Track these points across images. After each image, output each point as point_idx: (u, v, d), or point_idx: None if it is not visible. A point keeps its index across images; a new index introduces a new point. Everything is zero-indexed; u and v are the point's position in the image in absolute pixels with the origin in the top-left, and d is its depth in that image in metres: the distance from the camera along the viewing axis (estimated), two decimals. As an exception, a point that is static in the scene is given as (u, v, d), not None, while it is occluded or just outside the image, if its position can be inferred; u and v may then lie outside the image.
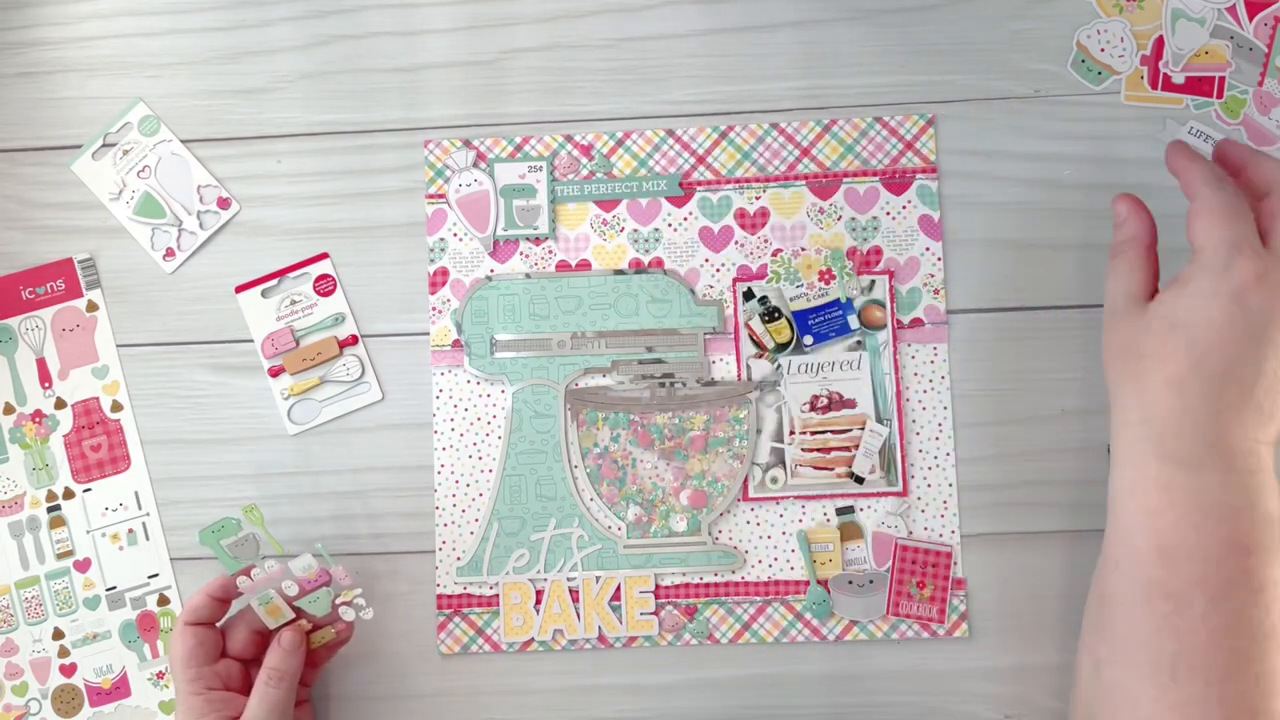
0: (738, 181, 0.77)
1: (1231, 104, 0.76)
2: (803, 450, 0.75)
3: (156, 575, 0.76)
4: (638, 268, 0.76)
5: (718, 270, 0.76)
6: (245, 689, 0.68)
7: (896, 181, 0.76)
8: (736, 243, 0.76)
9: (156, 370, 0.77)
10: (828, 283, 0.75)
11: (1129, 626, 0.59)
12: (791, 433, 0.75)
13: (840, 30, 0.78)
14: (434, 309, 0.77)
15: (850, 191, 0.76)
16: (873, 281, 0.75)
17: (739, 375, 0.75)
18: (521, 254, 0.77)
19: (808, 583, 0.74)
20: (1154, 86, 0.76)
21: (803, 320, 0.75)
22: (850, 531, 0.74)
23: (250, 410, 0.77)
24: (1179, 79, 0.76)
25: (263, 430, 0.76)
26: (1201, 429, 0.58)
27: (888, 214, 0.76)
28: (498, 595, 0.74)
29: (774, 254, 0.76)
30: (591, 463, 0.75)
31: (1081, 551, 0.73)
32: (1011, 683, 0.73)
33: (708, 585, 0.74)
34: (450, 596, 0.74)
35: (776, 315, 0.75)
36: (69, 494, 0.76)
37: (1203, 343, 0.58)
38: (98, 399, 0.77)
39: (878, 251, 0.76)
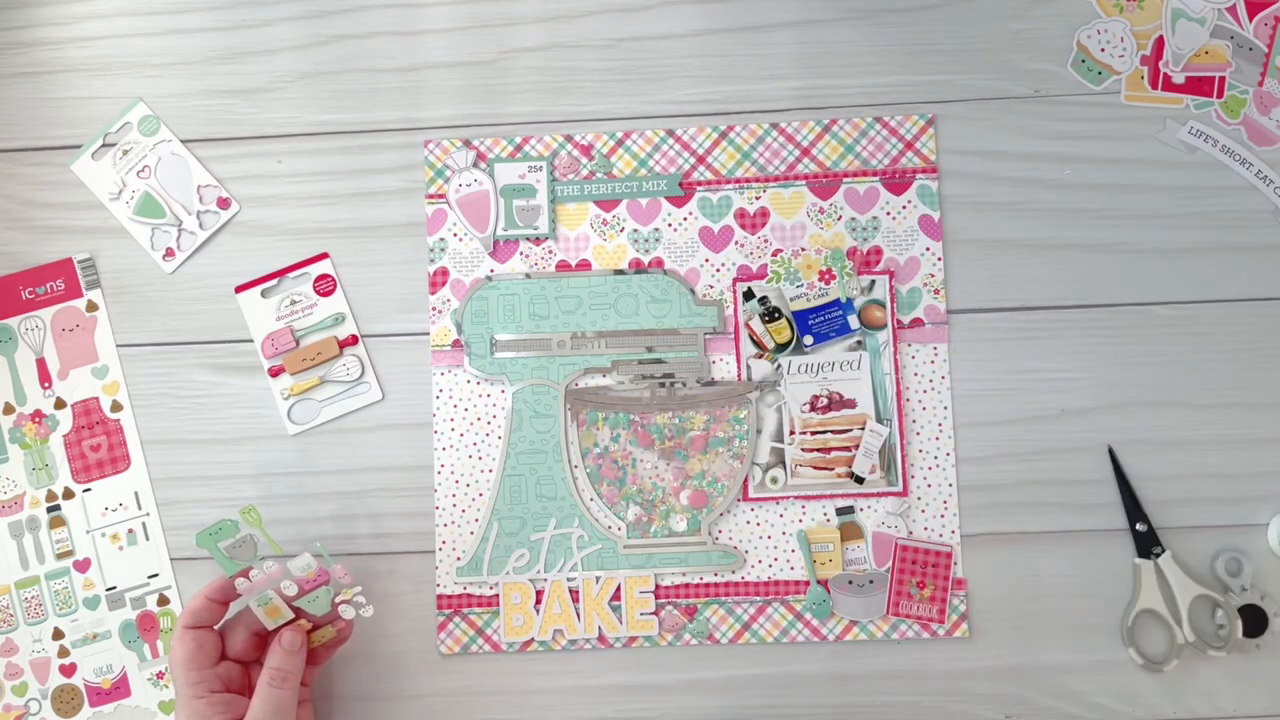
0: (738, 181, 0.77)
1: (1231, 104, 0.76)
2: (803, 450, 0.75)
3: (156, 575, 0.76)
4: (638, 268, 0.76)
5: (718, 270, 0.76)
6: (246, 690, 0.68)
7: (896, 181, 0.76)
8: (736, 243, 0.76)
9: (156, 370, 0.77)
10: (828, 283, 0.75)
11: None
12: (791, 433, 0.75)
13: (840, 30, 0.78)
14: (434, 309, 0.77)
15: (850, 191, 0.76)
16: (873, 281, 0.75)
17: (739, 375, 0.75)
18: (521, 254, 0.77)
19: (808, 583, 0.74)
20: (1154, 86, 0.76)
21: (803, 320, 0.75)
22: (850, 531, 0.74)
23: (250, 410, 0.76)
24: (1179, 79, 0.76)
25: (263, 430, 0.76)
26: None
27: (888, 214, 0.76)
28: (498, 595, 0.74)
29: (774, 254, 0.76)
30: (591, 463, 0.75)
31: (1081, 551, 0.74)
32: (1011, 683, 0.73)
33: (708, 585, 0.74)
34: (450, 596, 0.74)
35: (776, 315, 0.75)
36: (69, 494, 0.76)
37: None
38: (97, 399, 0.77)
39: (878, 251, 0.76)
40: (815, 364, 0.75)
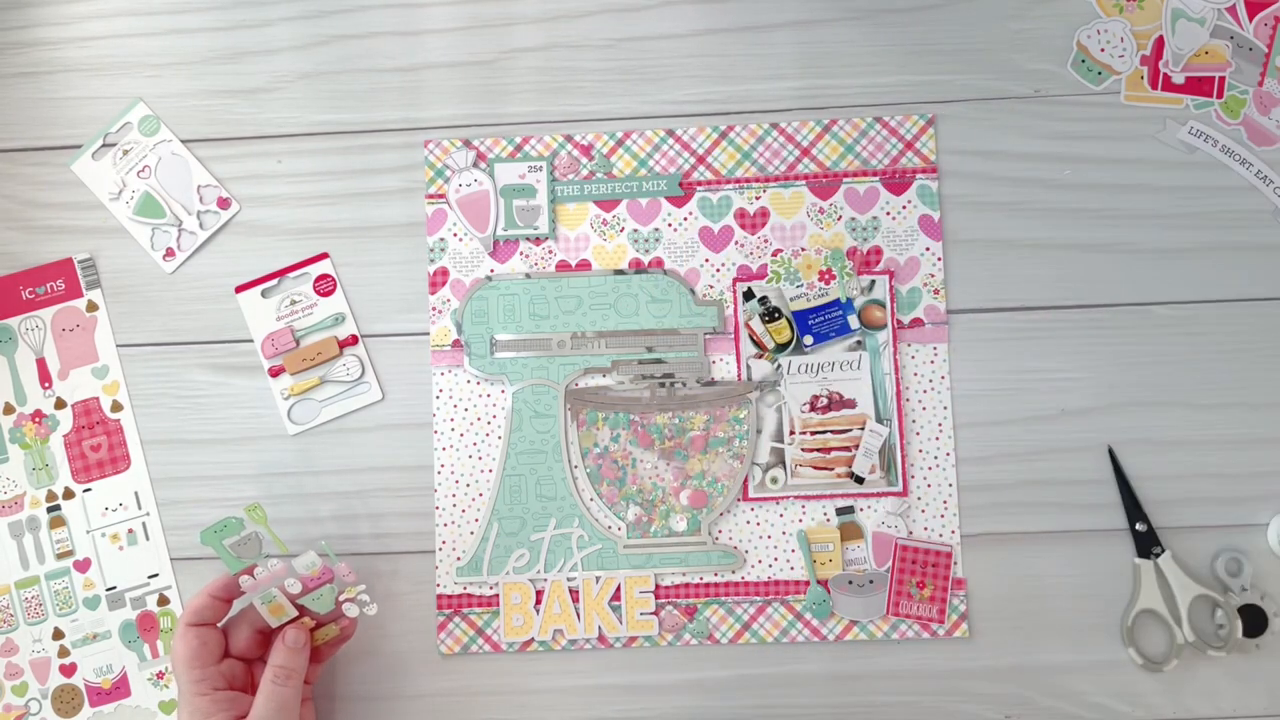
0: (738, 181, 0.77)
1: (1231, 104, 0.76)
2: (803, 450, 0.75)
3: (156, 575, 0.76)
4: (638, 268, 0.76)
5: (718, 270, 0.76)
6: (249, 688, 0.68)
7: (896, 181, 0.76)
8: (736, 243, 0.76)
9: (156, 370, 0.77)
10: (828, 283, 0.75)
11: None
12: (791, 433, 0.75)
13: (840, 30, 0.78)
14: (434, 309, 0.77)
15: (850, 191, 0.76)
16: (873, 281, 0.75)
17: (739, 375, 0.75)
18: (521, 254, 0.77)
19: (808, 583, 0.74)
20: (1154, 86, 0.76)
21: (803, 320, 0.75)
22: (850, 531, 0.74)
23: (250, 410, 0.76)
24: (1179, 79, 0.76)
25: (263, 430, 0.76)
26: None
27: (888, 214, 0.76)
28: (498, 595, 0.74)
29: (774, 254, 0.76)
30: (591, 463, 0.75)
31: (1081, 551, 0.74)
32: (1011, 683, 0.73)
33: (708, 585, 0.74)
34: (450, 596, 0.74)
35: (776, 315, 0.75)
36: (69, 494, 0.76)
37: None
38: (98, 399, 0.77)
39: (878, 251, 0.76)
40: (815, 364, 0.75)
